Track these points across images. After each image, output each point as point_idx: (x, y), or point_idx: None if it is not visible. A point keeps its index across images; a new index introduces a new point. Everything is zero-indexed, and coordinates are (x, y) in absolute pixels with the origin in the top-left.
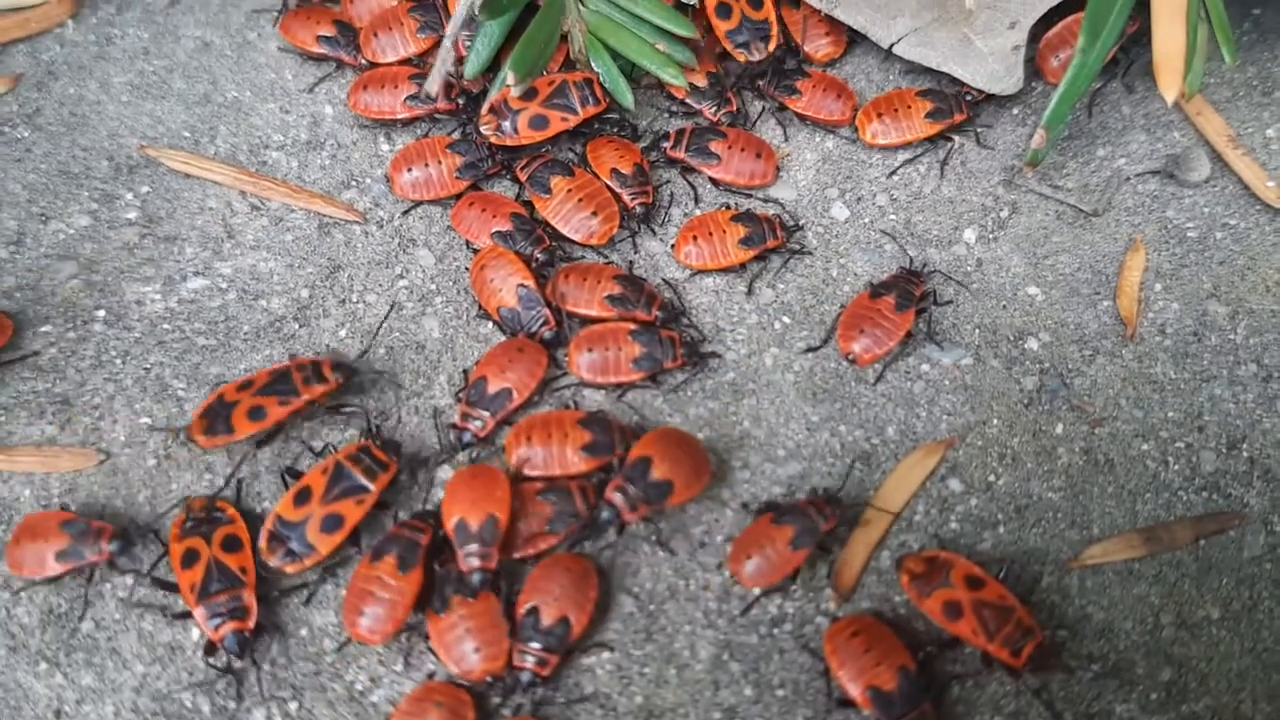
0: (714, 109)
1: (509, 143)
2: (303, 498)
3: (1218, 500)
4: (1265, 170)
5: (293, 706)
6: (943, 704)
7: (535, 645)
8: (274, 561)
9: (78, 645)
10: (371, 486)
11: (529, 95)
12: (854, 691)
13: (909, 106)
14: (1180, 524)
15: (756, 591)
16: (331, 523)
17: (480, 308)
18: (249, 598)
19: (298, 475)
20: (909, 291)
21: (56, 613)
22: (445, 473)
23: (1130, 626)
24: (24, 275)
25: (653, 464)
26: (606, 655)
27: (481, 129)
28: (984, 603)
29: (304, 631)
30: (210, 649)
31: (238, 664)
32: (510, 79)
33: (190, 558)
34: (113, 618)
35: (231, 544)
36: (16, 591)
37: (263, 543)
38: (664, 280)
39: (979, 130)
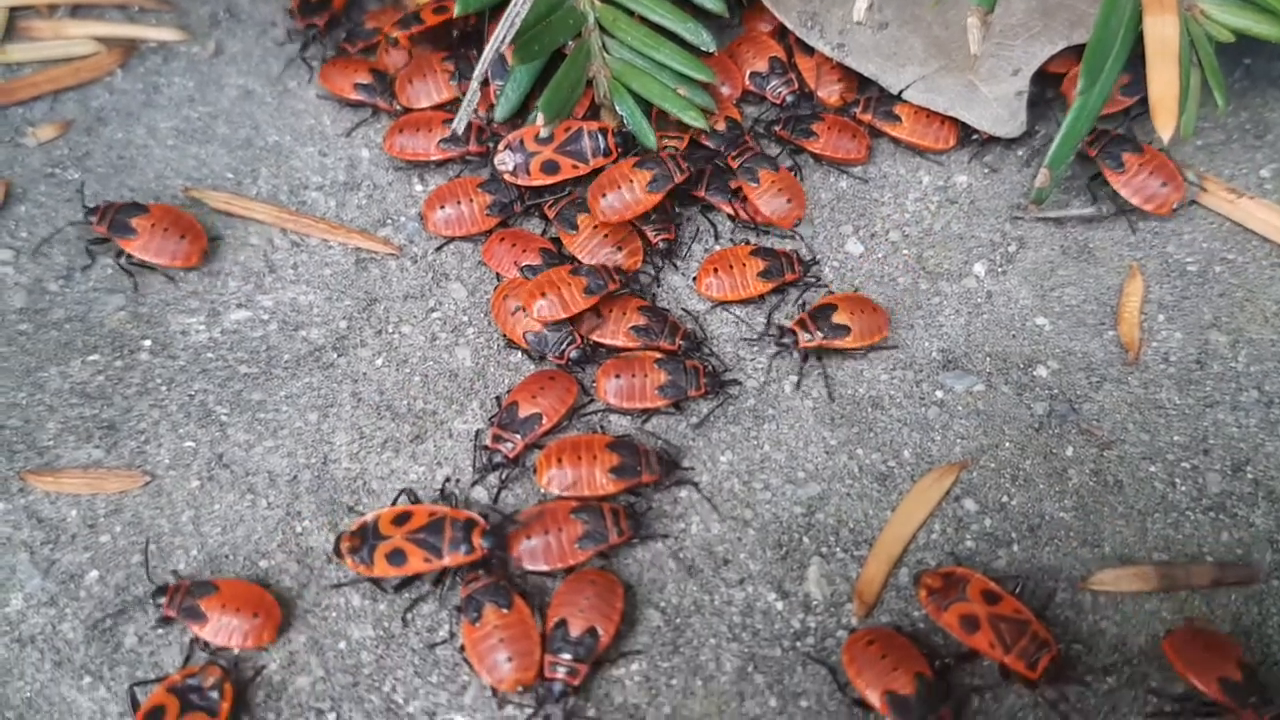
0: (732, 152)
1: (522, 182)
2: (400, 520)
3: (1224, 520)
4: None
5: (331, 718)
6: (963, 716)
7: (565, 656)
8: (345, 549)
9: (120, 659)
10: (457, 553)
11: (546, 139)
12: (872, 697)
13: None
14: (1200, 566)
15: (780, 607)
16: (398, 557)
17: (506, 339)
18: None
19: (415, 498)
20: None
21: (100, 628)
22: (479, 492)
23: (1144, 641)
24: (73, 308)
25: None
26: (635, 667)
27: (495, 163)
28: (1000, 616)
29: (342, 645)
30: None
31: None
32: (540, 120)
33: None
34: (155, 632)
35: None
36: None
37: (354, 525)
38: (685, 310)
39: (985, 169)
